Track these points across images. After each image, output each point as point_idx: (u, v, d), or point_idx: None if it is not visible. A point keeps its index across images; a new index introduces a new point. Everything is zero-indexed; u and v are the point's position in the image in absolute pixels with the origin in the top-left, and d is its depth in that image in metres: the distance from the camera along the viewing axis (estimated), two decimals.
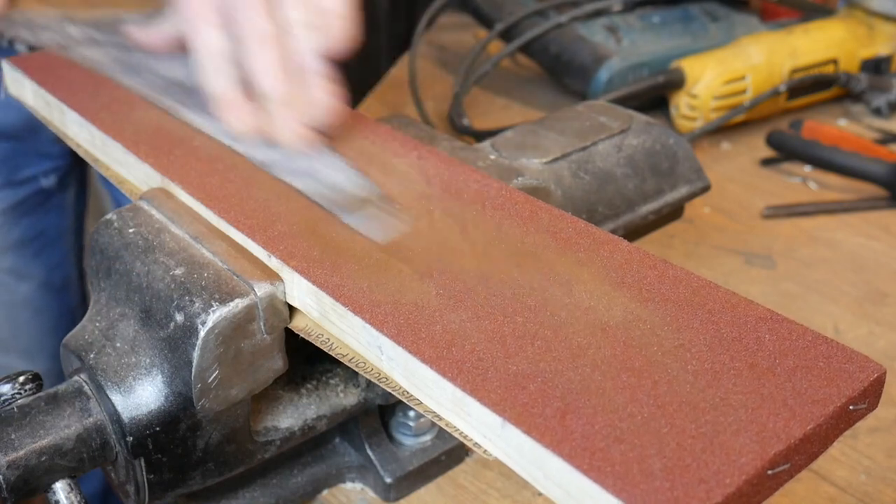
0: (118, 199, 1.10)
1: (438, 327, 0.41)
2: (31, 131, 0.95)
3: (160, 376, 0.47)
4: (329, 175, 0.54)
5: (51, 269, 1.03)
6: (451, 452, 0.60)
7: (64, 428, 0.46)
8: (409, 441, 0.60)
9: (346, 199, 0.52)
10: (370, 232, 0.49)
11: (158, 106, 0.61)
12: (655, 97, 1.01)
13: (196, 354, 0.45)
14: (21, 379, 0.47)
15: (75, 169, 1.04)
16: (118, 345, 0.48)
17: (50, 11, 0.75)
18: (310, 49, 0.56)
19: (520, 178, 0.57)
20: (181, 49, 0.62)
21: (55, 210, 1.02)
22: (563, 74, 1.05)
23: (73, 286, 1.08)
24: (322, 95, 0.56)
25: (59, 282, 1.05)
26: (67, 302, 1.07)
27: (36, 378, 0.48)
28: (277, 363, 0.48)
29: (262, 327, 0.46)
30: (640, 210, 0.63)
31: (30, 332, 1.03)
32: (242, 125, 0.56)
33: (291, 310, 0.47)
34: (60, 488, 0.46)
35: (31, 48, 0.85)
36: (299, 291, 0.46)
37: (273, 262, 0.47)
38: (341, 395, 0.55)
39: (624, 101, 0.94)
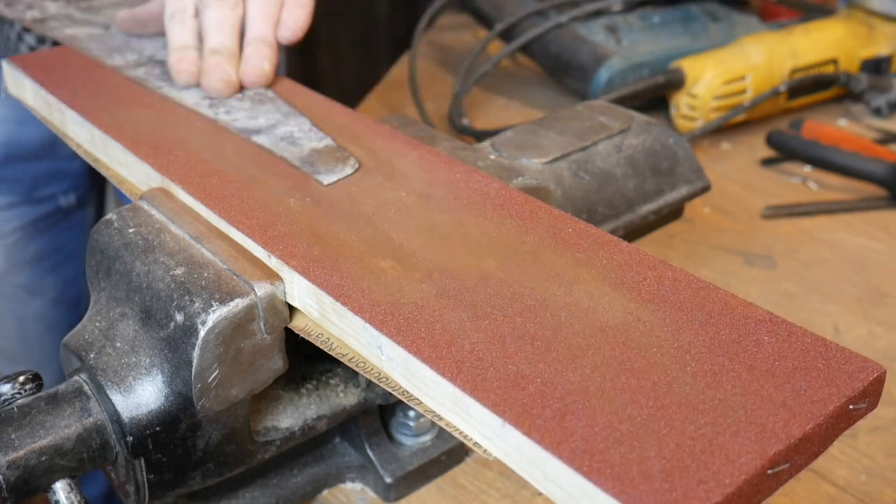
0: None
1: (438, 327, 0.41)
2: (49, 150, 0.95)
3: (160, 376, 0.47)
4: (289, 131, 0.59)
5: (65, 284, 1.03)
6: (451, 452, 0.60)
7: (64, 428, 0.46)
8: (409, 441, 0.60)
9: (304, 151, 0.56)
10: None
11: (136, 83, 0.65)
12: (655, 97, 1.01)
13: (196, 354, 0.45)
14: (21, 379, 0.47)
15: (94, 188, 1.04)
16: (118, 345, 0.48)
17: None
18: (259, 14, 0.62)
19: (520, 178, 0.57)
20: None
21: (74, 228, 1.03)
22: (563, 74, 1.05)
23: (86, 301, 1.08)
24: (259, 60, 0.62)
25: (73, 297, 1.05)
26: (80, 316, 1.07)
27: (36, 378, 0.48)
28: (277, 363, 0.48)
29: (263, 327, 0.46)
30: (640, 210, 0.63)
31: (41, 346, 1.03)
32: (186, 74, 0.62)
33: (291, 310, 0.47)
34: (60, 488, 0.46)
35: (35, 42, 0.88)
36: (299, 291, 0.46)
37: (273, 262, 0.47)
38: (341, 395, 0.55)
39: (624, 101, 0.94)
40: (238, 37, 0.63)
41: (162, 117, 0.60)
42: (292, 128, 0.59)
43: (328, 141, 0.58)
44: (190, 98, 0.63)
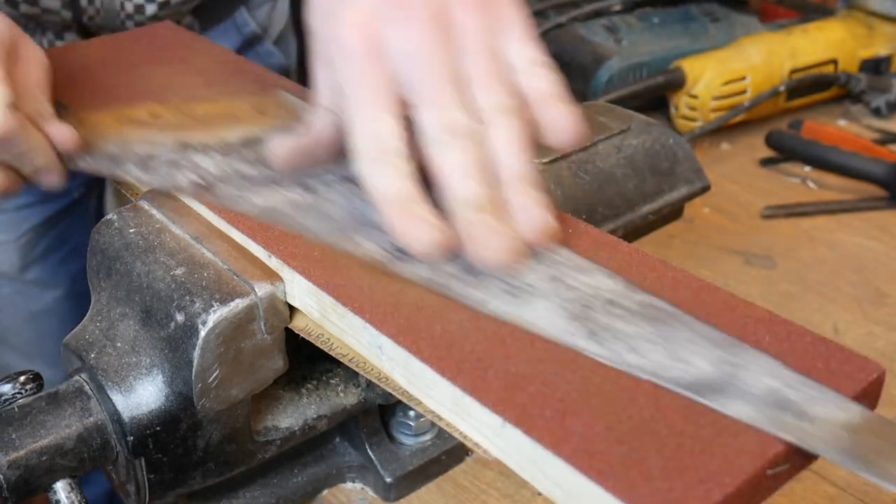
0: None
1: (438, 327, 0.41)
2: None
3: (161, 376, 0.47)
4: (766, 385, 0.37)
5: (75, 276, 1.03)
6: (451, 452, 0.60)
7: (64, 427, 0.46)
8: (409, 441, 0.60)
9: (828, 431, 0.35)
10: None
11: (375, 266, 0.45)
12: (655, 97, 1.01)
13: (196, 354, 0.45)
14: (22, 379, 0.47)
15: (96, 178, 1.04)
16: (119, 344, 0.48)
17: (157, 136, 0.56)
18: (509, 144, 0.44)
19: None
20: (339, 153, 0.49)
21: (80, 218, 1.02)
22: (563, 74, 1.05)
23: None
24: (531, 205, 0.44)
25: (83, 290, 1.04)
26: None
27: (37, 378, 0.48)
28: (278, 363, 0.48)
29: (263, 327, 0.46)
30: (639, 210, 0.63)
31: (53, 340, 1.03)
32: (427, 236, 0.43)
33: (292, 310, 0.47)
34: (61, 488, 0.47)
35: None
36: (299, 291, 0.46)
37: (273, 262, 0.47)
38: (341, 394, 0.55)
39: (624, 102, 0.94)
40: (493, 181, 0.44)
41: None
42: (761, 375, 0.37)
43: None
44: (534, 314, 0.41)
